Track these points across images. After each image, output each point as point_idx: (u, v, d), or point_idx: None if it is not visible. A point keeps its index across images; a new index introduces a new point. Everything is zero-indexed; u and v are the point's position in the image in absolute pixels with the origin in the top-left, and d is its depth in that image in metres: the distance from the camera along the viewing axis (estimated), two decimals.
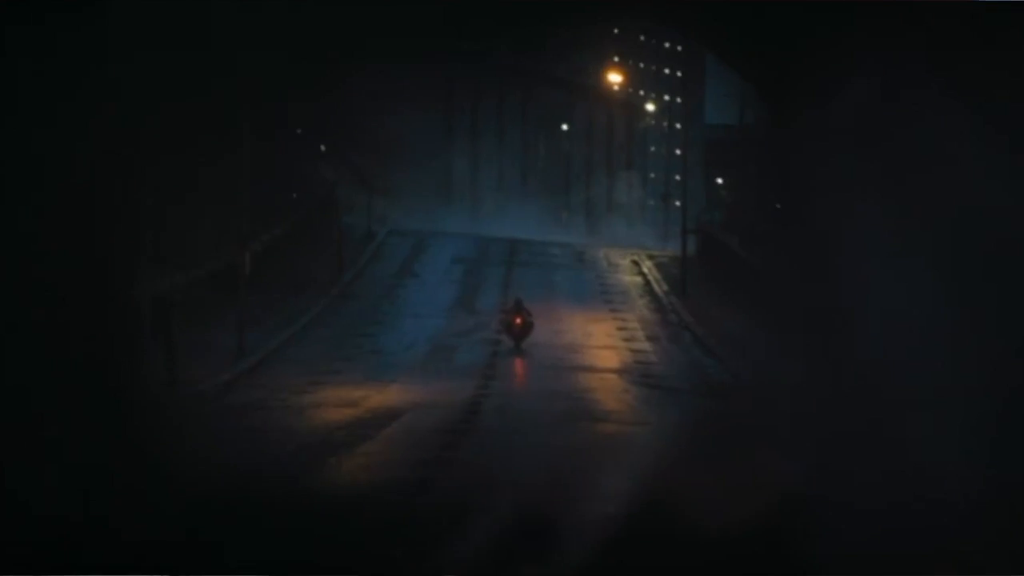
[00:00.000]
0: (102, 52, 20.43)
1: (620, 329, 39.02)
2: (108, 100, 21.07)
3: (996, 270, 17.73)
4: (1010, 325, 17.55)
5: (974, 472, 16.83)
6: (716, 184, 73.13)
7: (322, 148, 57.75)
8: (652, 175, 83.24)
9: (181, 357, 28.74)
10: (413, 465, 19.32)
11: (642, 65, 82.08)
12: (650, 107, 79.55)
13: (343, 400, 26.59)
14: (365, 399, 26.69)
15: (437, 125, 70.63)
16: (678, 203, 68.73)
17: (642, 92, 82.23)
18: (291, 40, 27.52)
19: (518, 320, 35.37)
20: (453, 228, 59.07)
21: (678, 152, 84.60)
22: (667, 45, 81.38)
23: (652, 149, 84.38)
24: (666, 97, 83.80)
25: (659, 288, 47.81)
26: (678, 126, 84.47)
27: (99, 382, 21.91)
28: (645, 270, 52.02)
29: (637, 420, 25.76)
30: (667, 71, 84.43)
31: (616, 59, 77.06)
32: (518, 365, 33.09)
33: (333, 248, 45.96)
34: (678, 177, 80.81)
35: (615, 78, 69.35)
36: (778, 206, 39.01)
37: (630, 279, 50.09)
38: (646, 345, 36.79)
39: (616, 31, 75.76)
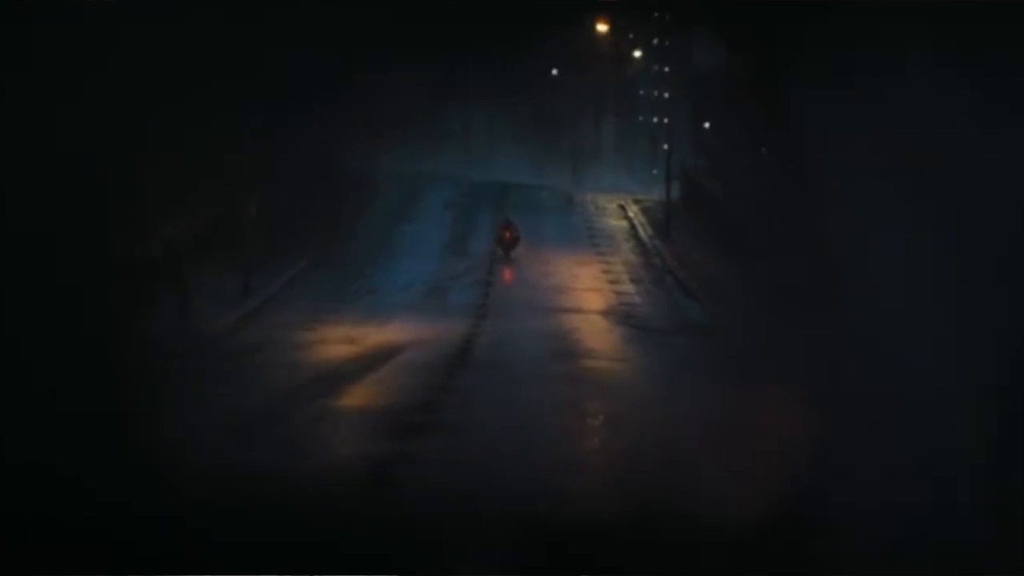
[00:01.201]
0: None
1: (605, 272, 41.28)
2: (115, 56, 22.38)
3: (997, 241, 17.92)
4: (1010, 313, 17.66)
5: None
6: (704, 128, 73.99)
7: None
8: (640, 119, 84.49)
9: (193, 300, 30.99)
10: (418, 391, 22.20)
11: (631, 8, 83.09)
12: (637, 53, 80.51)
13: (346, 337, 28.97)
14: (366, 336, 29.09)
15: (427, 73, 72.10)
16: (666, 146, 70.51)
17: (631, 35, 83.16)
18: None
19: (507, 234, 43.56)
20: (444, 172, 61.01)
21: (667, 96, 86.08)
22: None
23: (641, 93, 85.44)
24: (655, 41, 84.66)
25: (644, 232, 50.07)
26: (667, 69, 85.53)
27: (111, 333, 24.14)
28: (631, 215, 54.26)
29: (617, 357, 28.28)
30: (656, 14, 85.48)
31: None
32: (508, 305, 35.25)
33: (333, 192, 48.20)
34: (666, 120, 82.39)
35: (602, 27, 70.63)
36: (764, 150, 41.06)
37: (616, 223, 52.36)
38: (630, 287, 39.06)
39: None
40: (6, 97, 20.60)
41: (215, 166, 37.96)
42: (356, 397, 22.27)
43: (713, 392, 21.64)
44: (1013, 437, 16.98)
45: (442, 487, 16.07)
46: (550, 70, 78.95)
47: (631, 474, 17.09)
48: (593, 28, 70.65)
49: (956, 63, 18.86)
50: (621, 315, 34.34)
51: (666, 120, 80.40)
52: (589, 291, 37.98)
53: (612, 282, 39.77)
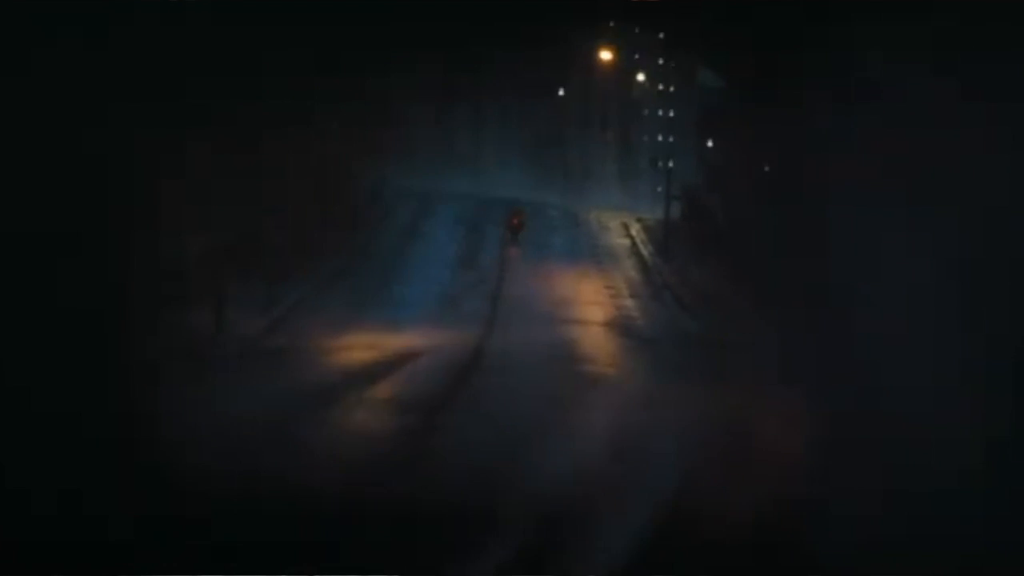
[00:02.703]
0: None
1: (607, 287, 44.37)
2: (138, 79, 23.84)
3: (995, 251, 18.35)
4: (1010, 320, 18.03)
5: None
6: (707, 148, 75.64)
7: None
8: (645, 138, 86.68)
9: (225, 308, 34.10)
10: (439, 385, 26.04)
11: (637, 30, 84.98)
12: (640, 77, 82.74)
13: (368, 343, 31.96)
14: (386, 342, 32.13)
15: (436, 92, 74.91)
16: (672, 164, 72.94)
17: (637, 56, 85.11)
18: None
19: (515, 220, 53.15)
20: (453, 189, 63.63)
21: (671, 114, 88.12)
22: None
23: (645, 112, 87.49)
24: (660, 60, 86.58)
25: (645, 250, 53.04)
26: (671, 89, 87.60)
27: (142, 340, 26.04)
28: (633, 233, 57.24)
29: (613, 363, 31.71)
30: (661, 35, 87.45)
31: (611, 23, 79.86)
32: (516, 316, 38.25)
33: (347, 208, 51.51)
34: (671, 139, 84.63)
35: (606, 55, 73.30)
36: (766, 168, 43.85)
37: (619, 241, 55.31)
38: (629, 302, 42.06)
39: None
40: (51, 121, 21.83)
41: (237, 184, 40.97)
42: (386, 390, 26.10)
43: (689, 390, 25.52)
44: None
45: (461, 458, 19.88)
46: (557, 90, 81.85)
47: (614, 449, 20.76)
48: (599, 49, 72.98)
49: (956, 84, 19.58)
50: (619, 327, 37.39)
51: (670, 139, 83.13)
52: (591, 304, 40.97)
53: (613, 296, 42.78)
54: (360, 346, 31.87)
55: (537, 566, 15.38)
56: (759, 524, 16.80)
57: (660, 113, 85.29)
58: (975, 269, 18.76)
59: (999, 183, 18.82)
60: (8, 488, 16.69)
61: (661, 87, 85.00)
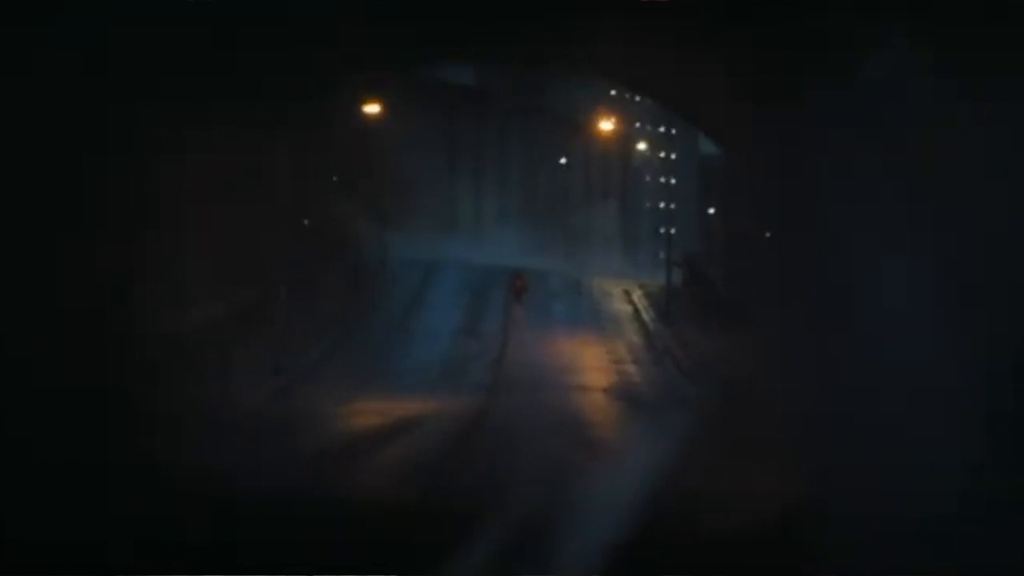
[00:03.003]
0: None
1: (609, 353, 45.33)
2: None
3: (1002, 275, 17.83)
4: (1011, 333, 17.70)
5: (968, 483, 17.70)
6: (709, 214, 76.50)
7: (334, 179, 62.86)
8: (647, 204, 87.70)
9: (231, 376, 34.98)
10: (445, 448, 27.03)
11: (638, 99, 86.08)
12: (642, 146, 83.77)
13: (374, 410, 33.01)
14: (392, 409, 33.15)
15: (440, 160, 76.28)
16: (673, 231, 73.88)
17: (638, 125, 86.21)
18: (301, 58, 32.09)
19: (518, 283, 55.93)
20: (457, 257, 64.51)
21: (674, 182, 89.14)
22: None
23: (647, 179, 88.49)
24: (661, 128, 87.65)
25: (646, 316, 53.84)
26: (673, 156, 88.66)
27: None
28: (635, 299, 58.02)
29: (613, 427, 32.71)
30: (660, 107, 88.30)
31: (612, 92, 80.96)
32: (518, 383, 39.13)
33: (351, 276, 52.52)
34: (673, 206, 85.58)
35: (607, 126, 74.33)
36: (767, 234, 44.45)
37: (620, 307, 56.14)
38: (631, 367, 42.97)
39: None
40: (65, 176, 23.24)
41: (245, 254, 41.96)
42: (396, 452, 27.31)
43: (684, 450, 26.58)
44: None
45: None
46: (559, 158, 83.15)
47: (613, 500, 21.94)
48: (600, 118, 74.01)
49: (958, 136, 19.22)
50: (621, 392, 38.32)
51: (672, 205, 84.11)
52: (593, 370, 41.91)
53: (615, 362, 43.70)
54: (367, 412, 33.09)
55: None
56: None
57: (662, 180, 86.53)
58: (993, 343, 18.33)
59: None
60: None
61: (663, 155, 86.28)
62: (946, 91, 18.84)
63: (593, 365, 42.99)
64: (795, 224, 27.69)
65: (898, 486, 18.77)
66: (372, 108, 52.46)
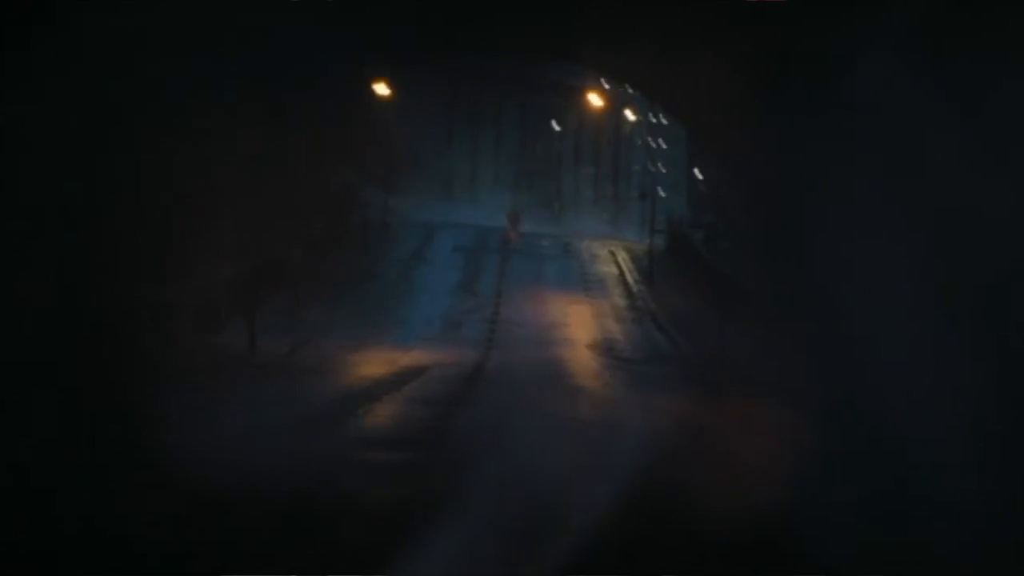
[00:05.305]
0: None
1: (594, 312, 49.86)
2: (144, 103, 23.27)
3: (989, 273, 17.16)
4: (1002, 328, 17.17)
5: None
6: (696, 177, 79.16)
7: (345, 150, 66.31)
8: (636, 167, 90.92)
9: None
10: (447, 391, 32.60)
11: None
12: (630, 114, 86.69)
13: (381, 360, 37.58)
14: (398, 359, 37.92)
15: (440, 129, 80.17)
16: (663, 194, 77.27)
17: (630, 90, 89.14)
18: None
19: (511, 235, 61.76)
20: (455, 219, 68.80)
21: (664, 146, 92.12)
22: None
23: (638, 143, 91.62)
24: None
25: (631, 278, 58.02)
26: (664, 121, 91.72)
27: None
28: (620, 261, 62.18)
29: (596, 378, 37.43)
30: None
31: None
32: (511, 338, 43.89)
33: (360, 237, 57.27)
34: (663, 168, 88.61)
35: (597, 101, 77.66)
36: (753, 203, 48.13)
37: (607, 269, 60.41)
38: (614, 325, 47.61)
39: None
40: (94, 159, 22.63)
41: (267, 220, 46.42)
42: (405, 393, 32.45)
43: (655, 399, 31.94)
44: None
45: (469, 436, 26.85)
46: (550, 121, 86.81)
47: (586, 441, 27.07)
48: (592, 87, 77.56)
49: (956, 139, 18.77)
50: (604, 348, 42.82)
51: (660, 166, 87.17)
52: (579, 328, 46.39)
53: (599, 320, 48.22)
54: (376, 362, 37.45)
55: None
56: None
57: (652, 144, 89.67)
58: (992, 342, 17.48)
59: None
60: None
61: (653, 120, 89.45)
62: (929, 90, 18.23)
63: (579, 323, 47.26)
64: (771, 206, 26.92)
65: (874, 479, 18.53)
66: (380, 87, 57.35)
